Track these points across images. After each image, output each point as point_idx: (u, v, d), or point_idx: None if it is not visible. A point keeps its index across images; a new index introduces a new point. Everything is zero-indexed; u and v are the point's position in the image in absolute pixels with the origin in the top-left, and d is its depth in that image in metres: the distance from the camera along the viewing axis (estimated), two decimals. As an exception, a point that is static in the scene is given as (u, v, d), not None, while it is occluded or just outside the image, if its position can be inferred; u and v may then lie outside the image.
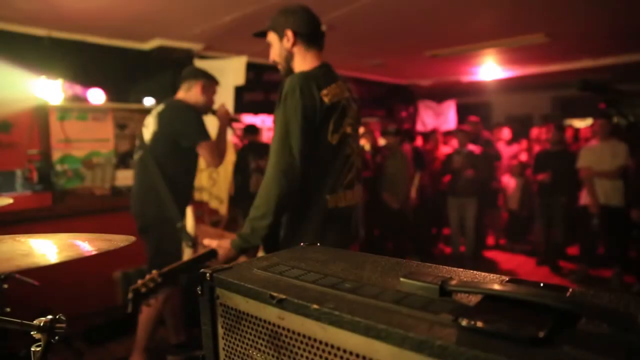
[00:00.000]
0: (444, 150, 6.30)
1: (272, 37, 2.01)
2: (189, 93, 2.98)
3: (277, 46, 2.00)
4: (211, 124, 4.33)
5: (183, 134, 2.81)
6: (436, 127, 7.58)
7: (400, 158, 5.52)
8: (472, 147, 5.66)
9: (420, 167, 5.79)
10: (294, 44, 1.95)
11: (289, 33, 1.94)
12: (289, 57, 1.98)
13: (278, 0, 3.42)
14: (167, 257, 2.73)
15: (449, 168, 5.69)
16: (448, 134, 6.99)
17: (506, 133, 6.89)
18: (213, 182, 4.63)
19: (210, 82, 3.03)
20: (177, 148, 2.83)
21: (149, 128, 2.90)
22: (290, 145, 1.78)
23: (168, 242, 2.82)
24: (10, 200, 1.51)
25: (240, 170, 4.79)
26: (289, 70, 2.00)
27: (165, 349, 3.31)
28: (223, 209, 4.61)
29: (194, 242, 2.77)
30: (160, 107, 2.93)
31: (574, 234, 5.43)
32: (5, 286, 1.73)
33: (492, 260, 5.93)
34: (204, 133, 2.83)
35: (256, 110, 6.16)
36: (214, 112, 3.08)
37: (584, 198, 4.97)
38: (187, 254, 2.79)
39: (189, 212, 2.86)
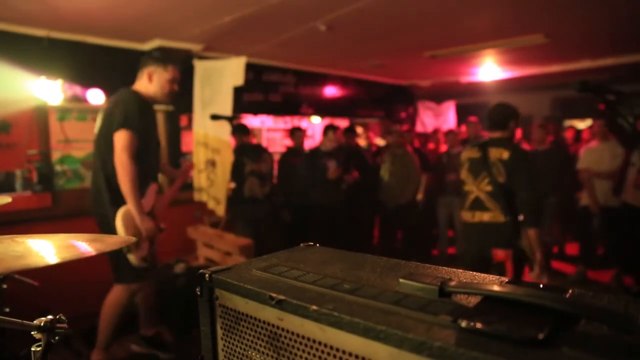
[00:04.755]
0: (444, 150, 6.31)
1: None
2: (139, 82, 2.85)
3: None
4: (220, 127, 4.30)
5: (111, 126, 2.65)
6: (437, 127, 7.58)
7: (407, 159, 5.48)
8: (460, 149, 5.75)
9: (426, 169, 5.75)
10: None
11: None
12: None
13: (277, 2, 3.43)
14: (120, 253, 2.73)
15: (439, 168, 5.77)
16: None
17: None
18: (210, 182, 4.61)
19: (161, 67, 2.81)
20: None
21: (97, 124, 2.82)
22: None
23: None
24: (9, 199, 1.51)
25: (235, 173, 4.75)
26: None
27: (131, 338, 3.28)
28: (220, 210, 4.59)
29: (128, 248, 2.71)
30: (108, 100, 2.83)
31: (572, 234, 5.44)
32: (5, 286, 1.73)
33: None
34: (125, 122, 2.61)
35: (255, 111, 6.16)
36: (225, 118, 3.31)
37: (584, 199, 4.98)
38: (131, 259, 2.75)
39: (119, 216, 2.68)
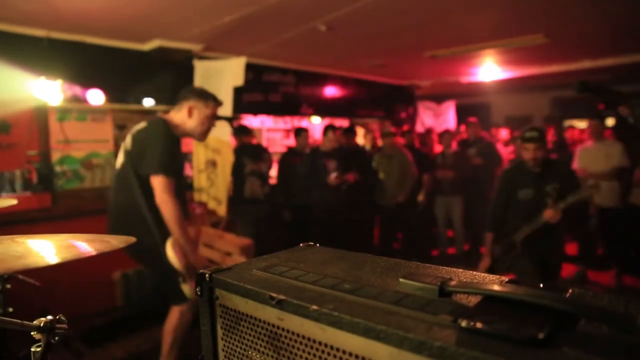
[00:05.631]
0: (439, 150, 6.31)
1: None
2: (178, 114, 2.75)
3: None
4: (220, 128, 4.27)
5: (143, 160, 2.58)
6: (431, 126, 7.56)
7: (400, 158, 5.49)
8: (456, 148, 5.88)
9: (427, 169, 5.74)
10: None
11: None
12: None
13: (277, 2, 3.43)
14: (173, 276, 2.63)
15: (435, 168, 5.82)
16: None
17: (504, 133, 6.92)
18: (211, 183, 4.62)
19: (202, 103, 2.74)
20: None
21: (126, 145, 2.72)
22: None
23: (166, 264, 2.62)
24: (15, 201, 1.51)
25: (235, 173, 4.74)
26: None
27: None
28: (221, 210, 4.60)
29: (184, 277, 2.63)
30: (141, 124, 2.75)
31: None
32: (9, 286, 1.73)
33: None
34: (162, 165, 2.53)
35: (255, 111, 6.16)
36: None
37: (583, 198, 4.98)
38: (185, 290, 2.66)
39: (169, 246, 2.61)
